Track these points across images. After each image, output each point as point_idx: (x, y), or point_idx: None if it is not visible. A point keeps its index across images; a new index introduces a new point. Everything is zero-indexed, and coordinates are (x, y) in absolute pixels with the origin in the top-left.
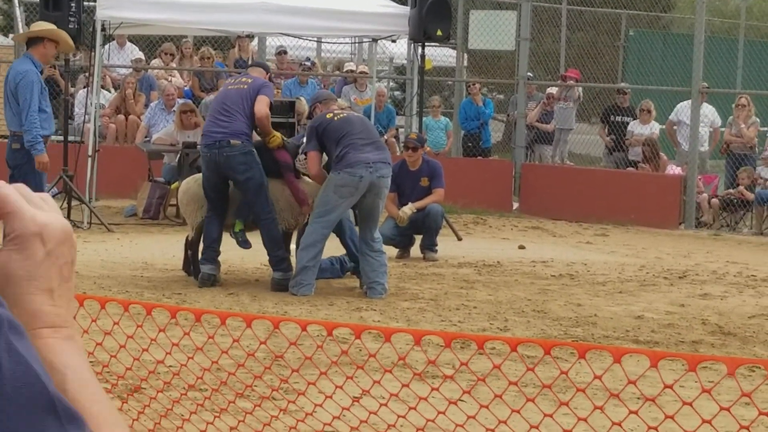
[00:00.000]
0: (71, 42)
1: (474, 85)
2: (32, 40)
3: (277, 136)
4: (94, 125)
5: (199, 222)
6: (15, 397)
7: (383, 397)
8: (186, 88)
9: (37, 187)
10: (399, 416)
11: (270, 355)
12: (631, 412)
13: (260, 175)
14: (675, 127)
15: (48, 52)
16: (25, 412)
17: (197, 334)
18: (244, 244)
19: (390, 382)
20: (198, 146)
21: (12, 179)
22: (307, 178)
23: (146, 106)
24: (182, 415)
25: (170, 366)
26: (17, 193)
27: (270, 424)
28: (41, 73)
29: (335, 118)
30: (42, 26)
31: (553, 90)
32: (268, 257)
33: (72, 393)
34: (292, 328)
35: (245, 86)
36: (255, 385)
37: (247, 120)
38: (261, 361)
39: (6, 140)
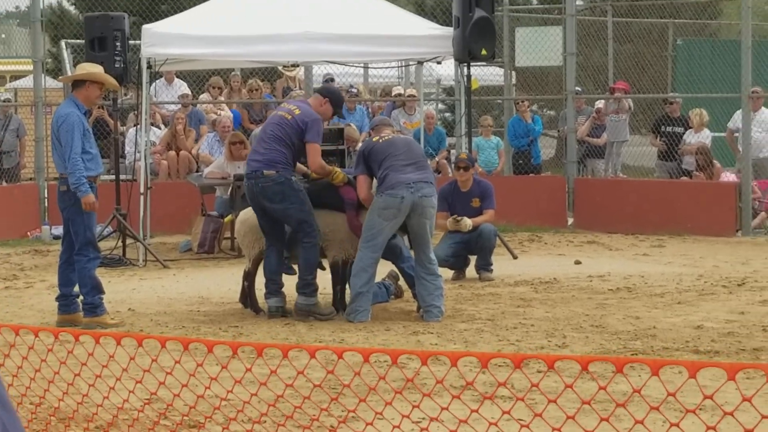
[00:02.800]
0: (114, 82)
1: (522, 102)
2: (76, 83)
3: (339, 173)
4: (145, 162)
5: (257, 253)
6: None
7: (451, 424)
8: (234, 109)
9: (87, 229)
10: None
11: (330, 386)
12: (709, 428)
13: (299, 204)
14: (735, 135)
15: (91, 94)
16: None
17: (258, 366)
18: (290, 270)
19: (455, 408)
20: None
21: (65, 222)
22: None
23: (196, 140)
24: None
25: (233, 403)
26: None
27: None
28: (88, 114)
29: (380, 141)
30: (85, 68)
31: (601, 104)
32: (297, 280)
33: None
34: (350, 355)
35: (290, 117)
36: (320, 419)
37: (286, 150)
38: (323, 393)
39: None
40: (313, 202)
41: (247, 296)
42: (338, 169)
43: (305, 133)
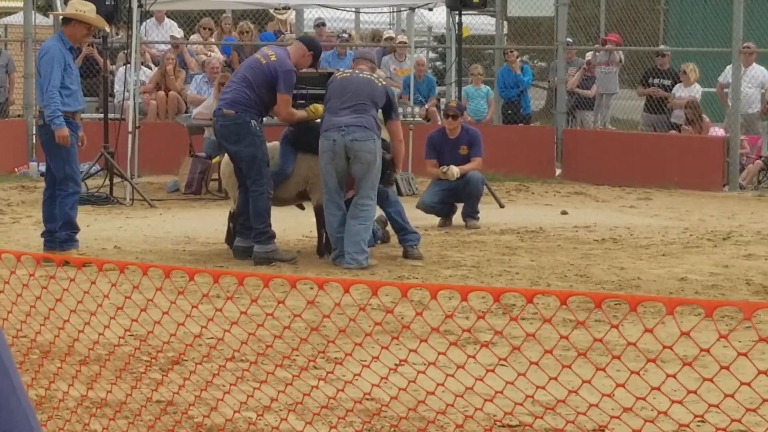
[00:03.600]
0: (102, 23)
1: (511, 52)
2: (65, 18)
3: (317, 108)
4: (134, 102)
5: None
6: None
7: (423, 364)
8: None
9: (66, 164)
10: (447, 375)
11: (311, 323)
12: (685, 363)
13: (254, 148)
14: (725, 90)
15: (77, 33)
16: None
17: (238, 305)
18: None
19: (430, 349)
20: None
21: (45, 156)
22: None
23: (186, 82)
24: (223, 386)
25: (212, 336)
26: None
27: (311, 395)
28: (74, 50)
29: (338, 77)
30: (75, 7)
31: (589, 55)
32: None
33: None
34: (334, 297)
35: (264, 62)
36: (298, 353)
37: (251, 93)
38: (303, 329)
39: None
40: (299, 144)
41: (233, 237)
42: (315, 105)
43: (276, 82)
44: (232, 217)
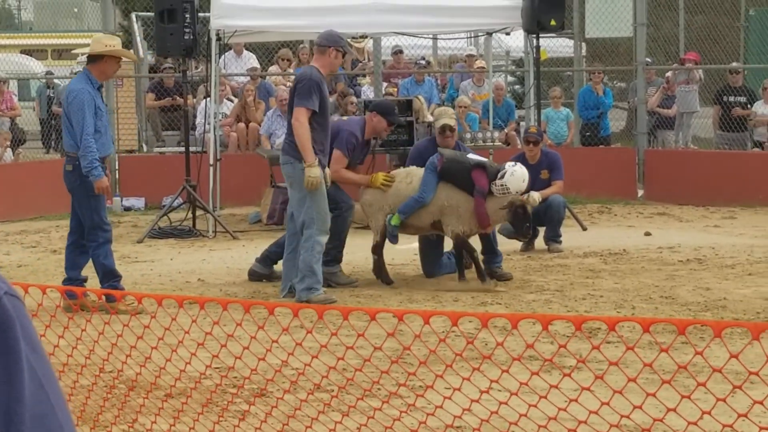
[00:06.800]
0: (131, 55)
1: (597, 74)
2: (91, 56)
3: (375, 178)
4: (215, 134)
5: (382, 225)
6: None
7: (511, 389)
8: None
9: (94, 213)
10: (530, 405)
11: (394, 351)
12: None
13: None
14: None
15: (108, 69)
16: None
17: (320, 335)
18: (393, 238)
19: (517, 374)
20: None
21: (72, 202)
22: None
23: (266, 113)
24: (310, 416)
25: (295, 367)
26: None
27: (400, 420)
28: (100, 88)
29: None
30: (102, 42)
31: (669, 74)
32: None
33: None
34: (416, 325)
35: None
36: (381, 383)
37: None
38: (386, 358)
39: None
40: (445, 175)
41: (380, 269)
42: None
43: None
44: (374, 248)
